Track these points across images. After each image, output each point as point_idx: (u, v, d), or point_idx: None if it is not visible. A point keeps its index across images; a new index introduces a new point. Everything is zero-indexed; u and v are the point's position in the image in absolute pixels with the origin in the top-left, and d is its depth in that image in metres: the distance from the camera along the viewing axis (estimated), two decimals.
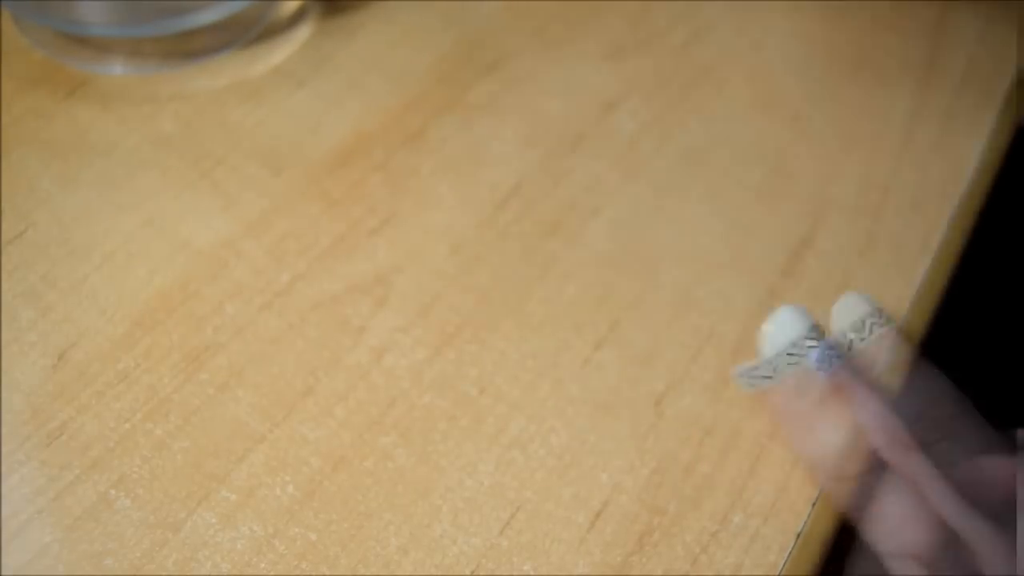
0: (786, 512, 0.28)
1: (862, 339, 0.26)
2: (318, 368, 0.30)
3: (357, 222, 0.34)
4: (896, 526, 0.24)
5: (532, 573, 0.27)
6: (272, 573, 0.26)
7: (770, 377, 0.27)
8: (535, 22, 0.41)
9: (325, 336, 0.31)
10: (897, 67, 0.40)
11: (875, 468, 0.25)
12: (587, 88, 0.39)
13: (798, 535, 0.27)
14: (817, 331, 0.27)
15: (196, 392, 0.30)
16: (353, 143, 0.36)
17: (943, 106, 0.39)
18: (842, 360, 0.26)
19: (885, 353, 0.26)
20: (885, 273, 0.33)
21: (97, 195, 0.34)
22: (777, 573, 0.27)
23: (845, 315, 0.27)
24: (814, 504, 0.28)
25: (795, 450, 0.28)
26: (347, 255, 0.33)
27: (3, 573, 0.26)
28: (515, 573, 0.27)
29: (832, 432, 0.25)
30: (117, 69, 0.38)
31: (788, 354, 0.26)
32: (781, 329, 0.27)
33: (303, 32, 0.40)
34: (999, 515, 0.22)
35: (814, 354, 0.26)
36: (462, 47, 0.40)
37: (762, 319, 0.28)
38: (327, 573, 0.26)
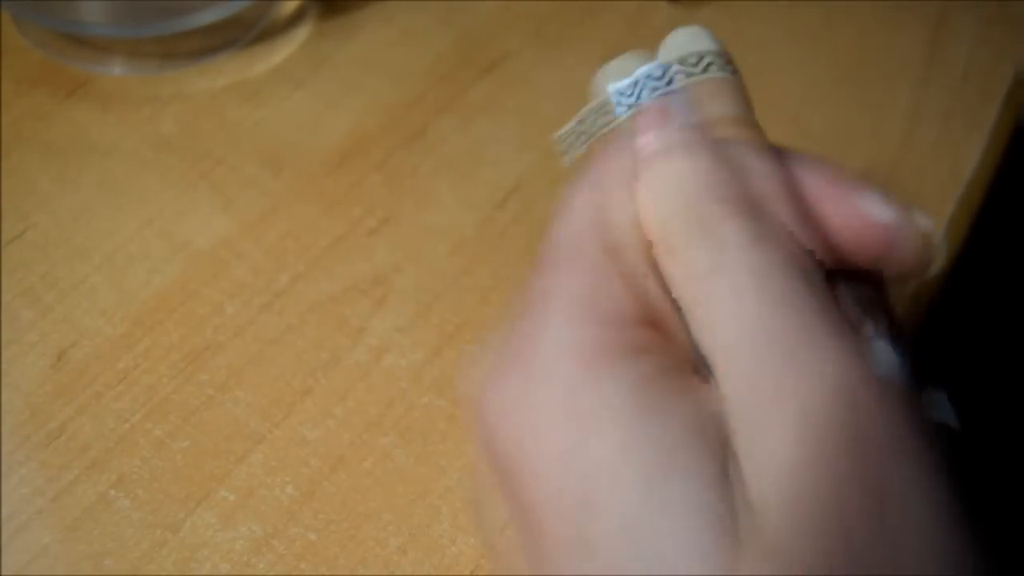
0: None
1: (689, 75, 0.20)
2: (317, 368, 0.30)
3: (356, 222, 0.34)
4: None
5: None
6: (271, 573, 0.26)
7: (584, 137, 0.21)
8: (534, 23, 0.41)
9: (324, 336, 0.31)
10: (897, 67, 0.40)
11: None
12: (586, 88, 0.39)
13: None
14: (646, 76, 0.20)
15: (195, 392, 0.30)
16: (352, 143, 0.36)
17: (943, 105, 0.39)
18: (653, 94, 0.20)
19: (716, 104, 0.20)
20: None
21: (97, 195, 0.34)
22: None
23: (676, 47, 0.20)
24: None
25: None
26: (346, 255, 0.33)
27: (3, 573, 0.26)
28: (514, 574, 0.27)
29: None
30: (117, 70, 0.38)
31: (599, 104, 0.20)
32: (605, 78, 0.21)
33: (302, 33, 0.40)
34: None
35: (621, 95, 0.20)
36: (461, 47, 0.40)
37: None
38: (326, 573, 0.26)
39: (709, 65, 0.20)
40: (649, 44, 0.40)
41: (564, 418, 0.17)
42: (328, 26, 0.40)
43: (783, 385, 0.16)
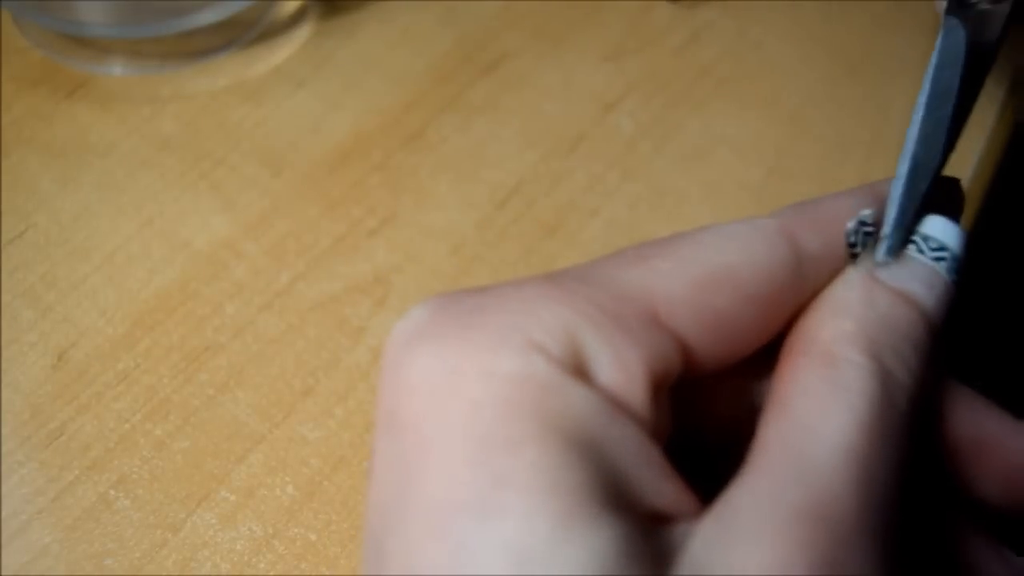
0: None
1: (920, 251, 0.21)
2: (318, 368, 0.30)
3: (357, 222, 0.34)
4: None
5: None
6: (272, 573, 0.26)
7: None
8: (534, 22, 0.41)
9: (325, 336, 0.31)
10: (897, 66, 0.40)
11: None
12: (586, 88, 0.39)
13: None
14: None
15: (196, 392, 0.30)
16: (352, 143, 0.36)
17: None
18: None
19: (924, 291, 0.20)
20: None
21: (97, 195, 0.34)
22: None
23: (928, 225, 0.21)
24: None
25: None
26: (347, 255, 0.33)
27: (3, 573, 0.26)
28: None
29: None
30: (117, 70, 0.38)
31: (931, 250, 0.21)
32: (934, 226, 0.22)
33: (303, 32, 0.40)
34: None
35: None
36: (461, 47, 0.40)
37: None
38: (327, 573, 0.26)
39: (941, 260, 0.21)
40: (649, 44, 0.40)
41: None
42: (328, 26, 0.40)
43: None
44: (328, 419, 0.29)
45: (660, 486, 0.16)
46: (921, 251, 0.21)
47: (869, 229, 0.20)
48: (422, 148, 0.36)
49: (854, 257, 0.20)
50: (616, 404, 0.16)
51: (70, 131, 0.36)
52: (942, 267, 0.21)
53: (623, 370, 0.16)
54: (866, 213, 0.20)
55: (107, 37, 0.38)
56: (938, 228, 0.21)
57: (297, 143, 0.36)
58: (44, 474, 0.28)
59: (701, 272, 0.18)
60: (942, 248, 0.21)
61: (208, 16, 0.37)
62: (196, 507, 0.27)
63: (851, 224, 0.20)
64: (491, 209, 0.35)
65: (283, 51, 0.39)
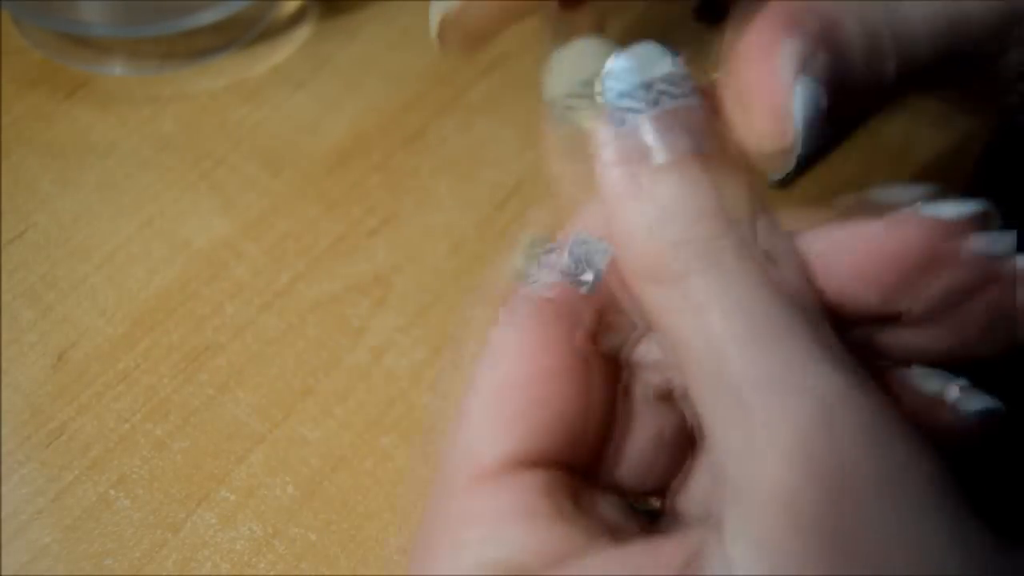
0: None
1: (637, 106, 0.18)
2: (318, 368, 0.30)
3: (356, 222, 0.34)
4: None
5: None
6: (272, 573, 0.26)
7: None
8: (534, 22, 0.41)
9: (325, 336, 0.31)
10: None
11: None
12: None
13: None
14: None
15: (196, 392, 0.30)
16: (352, 144, 0.36)
17: (942, 108, 0.39)
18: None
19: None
20: None
21: (97, 196, 0.34)
22: None
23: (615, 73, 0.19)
24: None
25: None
26: (346, 255, 0.33)
27: (3, 573, 0.26)
28: None
29: None
30: (117, 70, 0.38)
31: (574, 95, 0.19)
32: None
33: (302, 33, 0.40)
34: None
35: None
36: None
37: None
38: (327, 573, 0.26)
39: (661, 95, 0.18)
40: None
41: None
42: (328, 27, 0.40)
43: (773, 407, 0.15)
44: (328, 419, 0.29)
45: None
46: (640, 108, 0.18)
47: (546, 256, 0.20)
48: (422, 148, 0.36)
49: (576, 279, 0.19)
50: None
51: (70, 131, 0.36)
52: (667, 101, 0.18)
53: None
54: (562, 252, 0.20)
55: (107, 37, 0.38)
56: (613, 69, 0.18)
57: (297, 143, 0.36)
58: (44, 474, 0.28)
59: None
60: (635, 90, 0.18)
61: (208, 16, 0.37)
62: (196, 507, 0.27)
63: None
64: (491, 209, 0.35)
65: (283, 51, 0.39)
